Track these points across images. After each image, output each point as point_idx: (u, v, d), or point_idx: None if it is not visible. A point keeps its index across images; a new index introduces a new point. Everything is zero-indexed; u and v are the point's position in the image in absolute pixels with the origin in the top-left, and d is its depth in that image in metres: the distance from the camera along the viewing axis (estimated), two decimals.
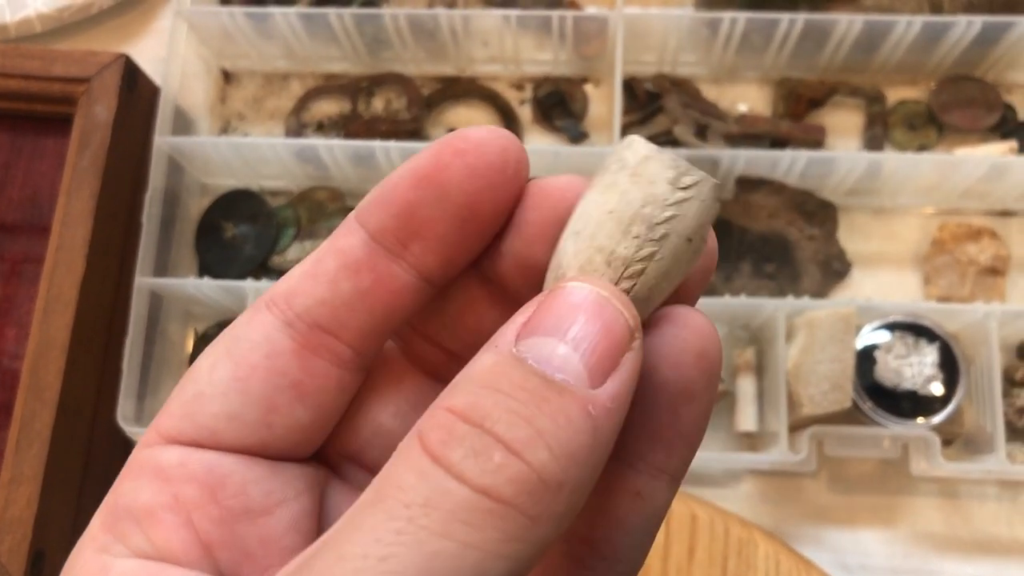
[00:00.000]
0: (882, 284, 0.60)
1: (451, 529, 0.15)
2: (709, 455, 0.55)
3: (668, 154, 0.18)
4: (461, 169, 0.19)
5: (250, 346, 0.20)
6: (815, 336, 0.51)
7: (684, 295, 0.20)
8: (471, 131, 0.19)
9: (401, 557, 0.15)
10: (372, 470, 0.20)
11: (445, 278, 0.21)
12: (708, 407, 0.19)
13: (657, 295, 0.19)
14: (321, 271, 0.20)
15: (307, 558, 0.16)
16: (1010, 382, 0.57)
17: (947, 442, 0.55)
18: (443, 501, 0.15)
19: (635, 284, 0.18)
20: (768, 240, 0.58)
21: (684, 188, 0.18)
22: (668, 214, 0.18)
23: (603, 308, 0.17)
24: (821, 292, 0.58)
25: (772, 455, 0.51)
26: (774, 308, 0.52)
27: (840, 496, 0.56)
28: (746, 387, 0.55)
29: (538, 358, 0.17)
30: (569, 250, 0.19)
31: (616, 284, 0.18)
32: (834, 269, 0.58)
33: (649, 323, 0.19)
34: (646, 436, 0.19)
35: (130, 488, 0.19)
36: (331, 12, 0.59)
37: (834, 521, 0.56)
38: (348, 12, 0.59)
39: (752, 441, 0.56)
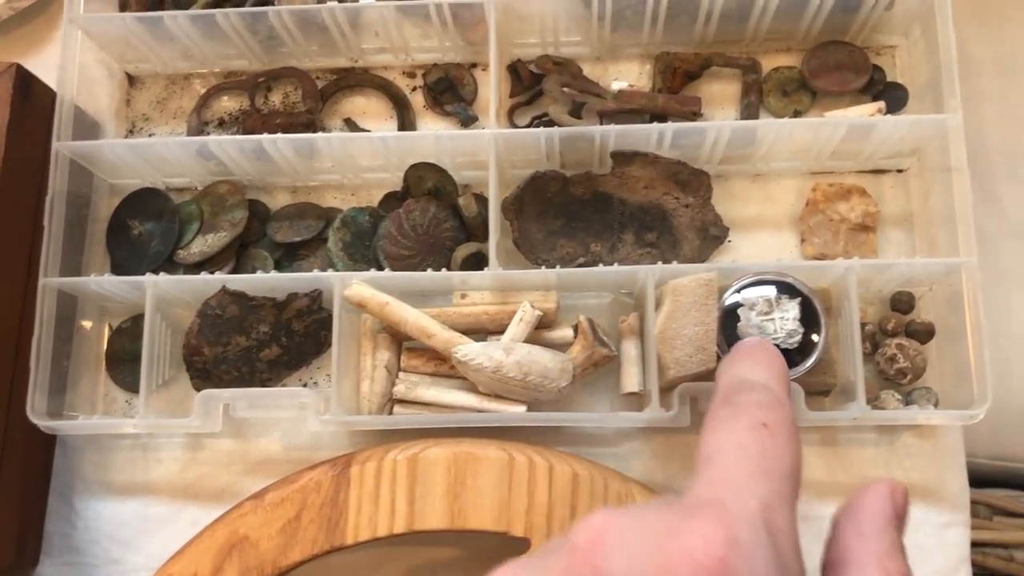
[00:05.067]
0: (761, 246, 0.62)
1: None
2: (594, 415, 0.57)
3: None
4: None
5: None
6: (679, 303, 0.53)
7: None
8: None
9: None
10: None
11: None
12: None
13: None
14: None
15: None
16: (884, 332, 0.60)
17: (824, 393, 0.58)
18: None
19: None
20: (647, 210, 0.60)
21: None
22: None
23: None
24: (701, 257, 0.60)
25: (645, 413, 0.54)
26: (644, 274, 0.55)
27: None
28: (629, 350, 0.58)
29: None
30: None
31: None
32: (712, 234, 0.60)
33: None
34: None
35: None
36: (217, 12, 0.61)
37: None
38: (234, 12, 0.61)
39: (640, 401, 0.59)
